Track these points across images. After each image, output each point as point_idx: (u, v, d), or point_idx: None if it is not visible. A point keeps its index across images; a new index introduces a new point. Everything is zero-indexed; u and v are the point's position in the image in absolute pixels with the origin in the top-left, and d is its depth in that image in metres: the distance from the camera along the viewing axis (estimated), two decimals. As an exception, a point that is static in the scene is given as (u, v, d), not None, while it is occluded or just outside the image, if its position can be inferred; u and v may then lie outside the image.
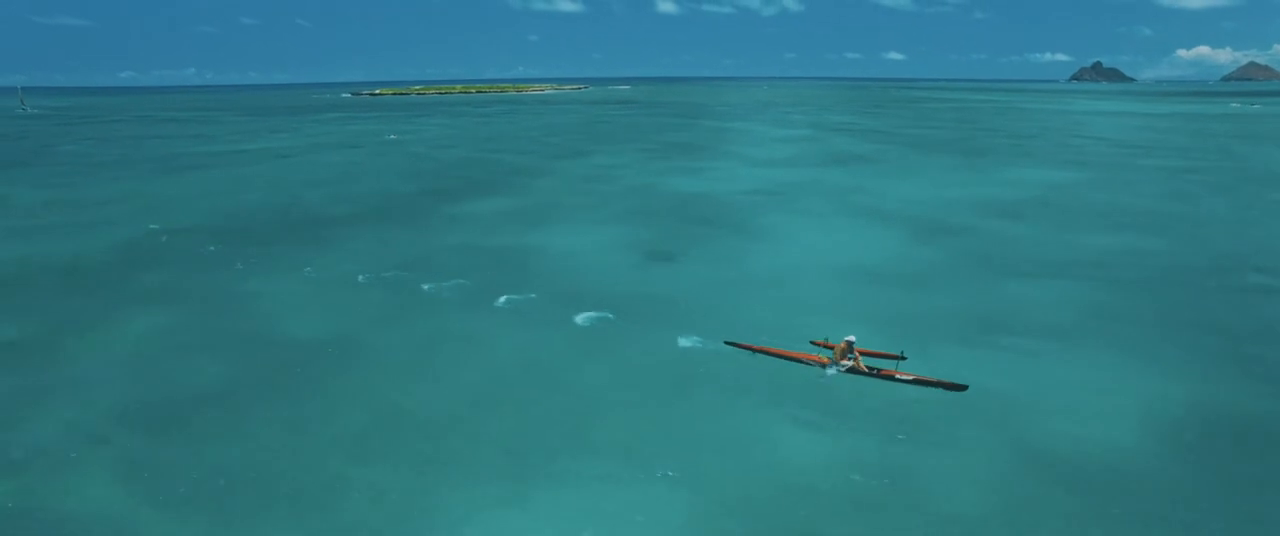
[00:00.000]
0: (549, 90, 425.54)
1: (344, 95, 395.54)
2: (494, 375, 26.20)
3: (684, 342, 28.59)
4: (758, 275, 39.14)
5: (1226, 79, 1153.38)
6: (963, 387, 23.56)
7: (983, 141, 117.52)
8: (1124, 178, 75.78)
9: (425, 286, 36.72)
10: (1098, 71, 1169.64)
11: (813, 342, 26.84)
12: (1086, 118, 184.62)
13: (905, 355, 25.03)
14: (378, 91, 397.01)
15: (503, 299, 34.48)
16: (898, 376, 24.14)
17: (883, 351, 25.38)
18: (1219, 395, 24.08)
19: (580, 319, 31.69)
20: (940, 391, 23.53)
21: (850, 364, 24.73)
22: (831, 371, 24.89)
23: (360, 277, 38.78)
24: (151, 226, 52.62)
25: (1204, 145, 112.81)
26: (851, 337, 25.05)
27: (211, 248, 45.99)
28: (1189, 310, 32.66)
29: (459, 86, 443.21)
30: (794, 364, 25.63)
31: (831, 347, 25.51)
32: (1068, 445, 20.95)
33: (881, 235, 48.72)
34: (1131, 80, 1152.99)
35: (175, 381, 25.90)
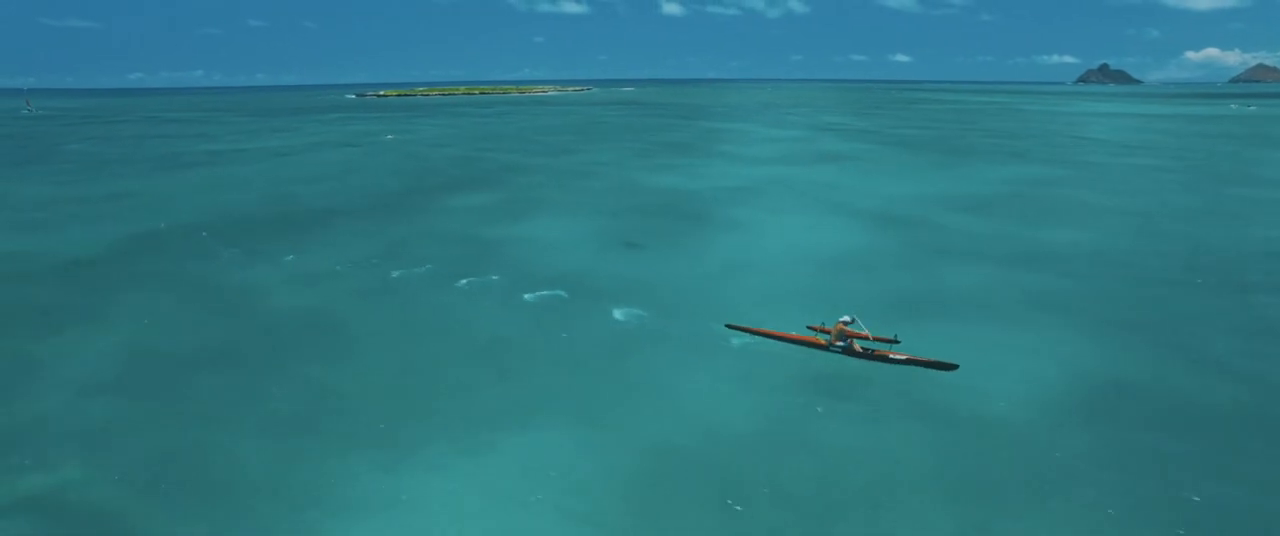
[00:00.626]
0: (552, 92, 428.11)
1: (349, 96, 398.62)
2: (441, 345, 28.09)
3: (619, 316, 30.56)
4: (719, 262, 40.89)
5: (1234, 81, 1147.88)
6: (953, 367, 24.56)
7: (972, 141, 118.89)
8: (1101, 176, 77.17)
9: (395, 273, 38.66)
10: (1104, 73, 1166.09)
11: (809, 327, 28.11)
12: (1081, 118, 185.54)
13: (899, 339, 26.08)
14: (382, 93, 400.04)
15: (464, 281, 36.45)
16: (891, 357, 25.37)
17: (878, 335, 26.44)
18: (1157, 378, 25.70)
19: (532, 297, 33.65)
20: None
21: (846, 345, 26.03)
22: (836, 351, 26.07)
23: (337, 267, 40.71)
24: (146, 220, 54.75)
25: (1189, 145, 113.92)
26: (846, 319, 26.24)
27: (203, 239, 48.06)
28: (1137, 300, 34.10)
29: (463, 88, 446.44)
30: (775, 342, 27.08)
31: (827, 331, 26.81)
32: (992, 415, 22.65)
33: (849, 229, 50.34)
34: (1138, 82, 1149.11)
35: (155, 358, 27.87)
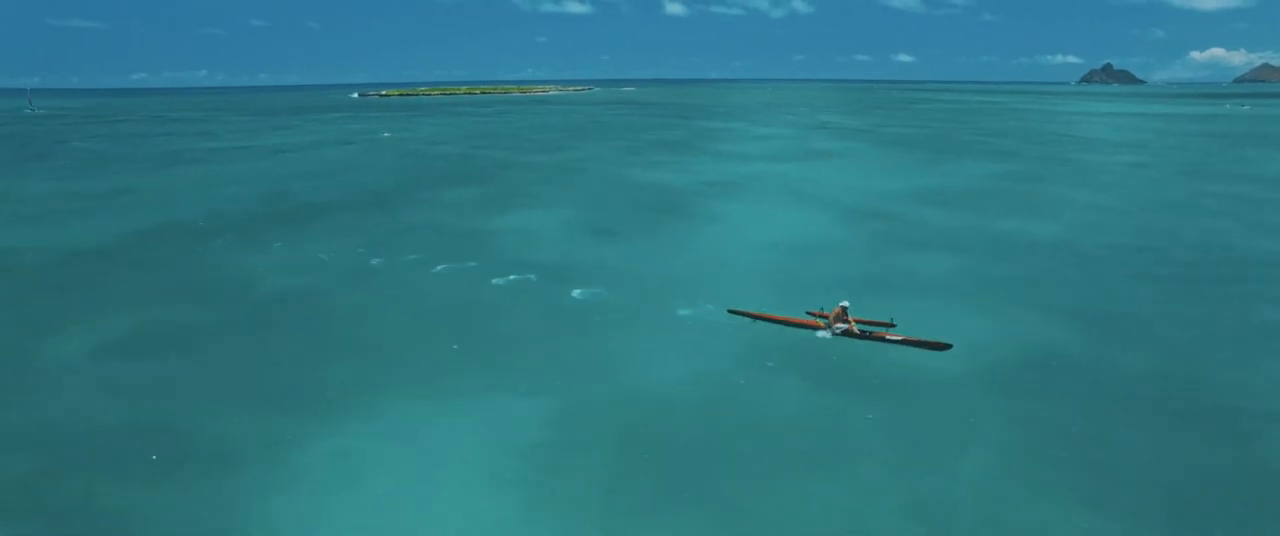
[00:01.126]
0: (553, 92, 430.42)
1: (353, 96, 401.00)
2: (409, 318, 30.11)
3: (578, 295, 32.72)
4: (691, 250, 42.71)
5: (1239, 81, 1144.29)
6: (947, 346, 25.66)
7: (963, 139, 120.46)
8: (1080, 172, 78.88)
9: (375, 261, 40.55)
10: (1108, 73, 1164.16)
11: (809, 312, 29.21)
12: (1075, 118, 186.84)
13: (894, 322, 27.29)
14: (385, 92, 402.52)
15: (441, 267, 38.32)
16: (887, 338, 26.63)
17: (874, 319, 27.69)
18: (1087, 359, 27.40)
19: (502, 281, 35.59)
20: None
21: (845, 327, 27.24)
22: (826, 334, 27.29)
23: (323, 255, 42.57)
24: (147, 213, 56.71)
25: (1173, 143, 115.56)
26: (845, 303, 27.47)
27: (200, 230, 50.00)
28: (1092, 288, 35.69)
29: (464, 88, 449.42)
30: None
31: (825, 315, 28.00)
32: (936, 384, 24.40)
33: (822, 220, 52.00)
34: (1142, 82, 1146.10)
35: (149, 335, 29.81)
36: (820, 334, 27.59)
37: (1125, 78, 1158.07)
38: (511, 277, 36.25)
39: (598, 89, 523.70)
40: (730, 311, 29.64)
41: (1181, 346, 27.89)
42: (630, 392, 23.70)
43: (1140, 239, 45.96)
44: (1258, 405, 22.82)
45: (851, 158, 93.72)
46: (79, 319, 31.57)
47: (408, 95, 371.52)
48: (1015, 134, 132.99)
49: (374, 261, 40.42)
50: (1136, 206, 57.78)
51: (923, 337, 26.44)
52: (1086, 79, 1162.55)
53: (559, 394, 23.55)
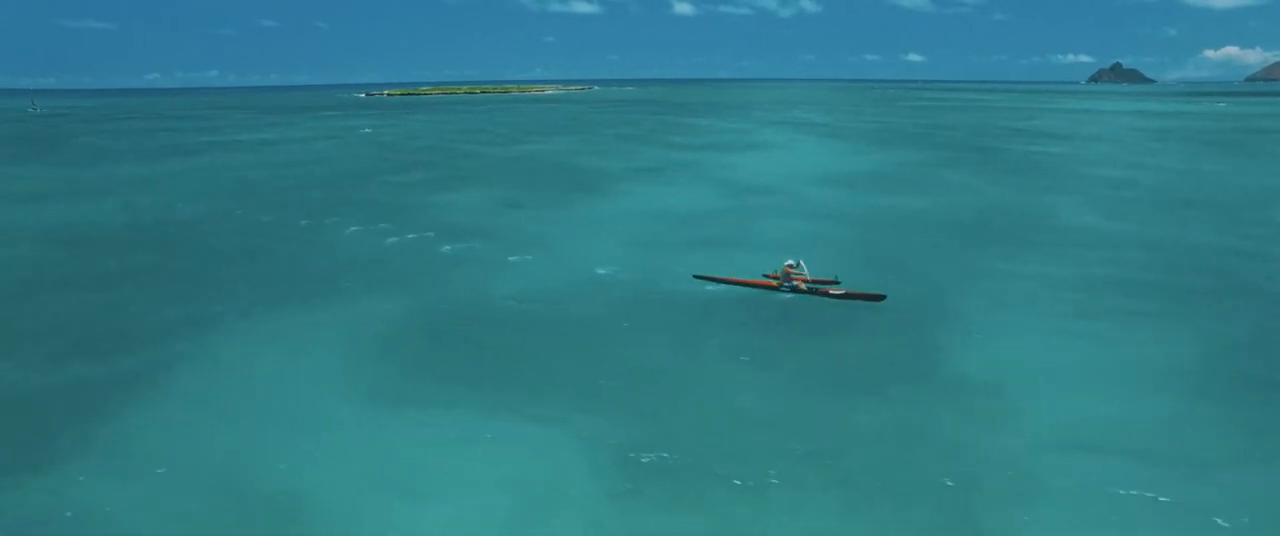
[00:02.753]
0: (552, 91, 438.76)
1: (358, 95, 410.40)
2: (311, 262, 37.95)
3: (447, 248, 40.54)
4: (577, 218, 50.23)
5: (1250, 79, 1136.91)
6: (882, 298, 30.13)
7: (911, 133, 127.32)
8: (979, 159, 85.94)
9: (303, 222, 48.58)
10: (1116, 73, 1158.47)
11: (765, 274, 33.38)
12: (1043, 113, 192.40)
13: (839, 279, 31.74)
14: (388, 92, 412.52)
15: (352, 229, 46.24)
16: (829, 293, 30.93)
17: (821, 278, 32.12)
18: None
19: (397, 238, 43.45)
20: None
21: (794, 284, 31.60)
22: (782, 293, 31.51)
23: (264, 219, 50.55)
24: (132, 191, 65.03)
25: (1110, 137, 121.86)
26: (790, 263, 31.97)
27: (176, 202, 58.18)
28: (894, 243, 42.55)
29: (464, 87, 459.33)
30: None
31: (778, 277, 32.43)
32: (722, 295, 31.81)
33: (707, 194, 59.37)
34: (1151, 81, 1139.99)
35: (125, 262, 37.76)
36: (776, 293, 31.76)
37: (1134, 77, 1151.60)
38: (410, 237, 43.99)
39: (598, 88, 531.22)
40: (695, 276, 33.45)
41: (949, 285, 34.13)
42: (473, 309, 31.13)
43: (978, 214, 52.43)
44: (978, 336, 29.84)
45: (787, 147, 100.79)
46: (48, 283, 39.51)
47: (409, 94, 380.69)
48: (965, 128, 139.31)
49: (302, 222, 48.39)
50: (1010, 188, 64.41)
51: (860, 290, 30.87)
52: (1095, 78, 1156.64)
53: (415, 309, 31.07)
